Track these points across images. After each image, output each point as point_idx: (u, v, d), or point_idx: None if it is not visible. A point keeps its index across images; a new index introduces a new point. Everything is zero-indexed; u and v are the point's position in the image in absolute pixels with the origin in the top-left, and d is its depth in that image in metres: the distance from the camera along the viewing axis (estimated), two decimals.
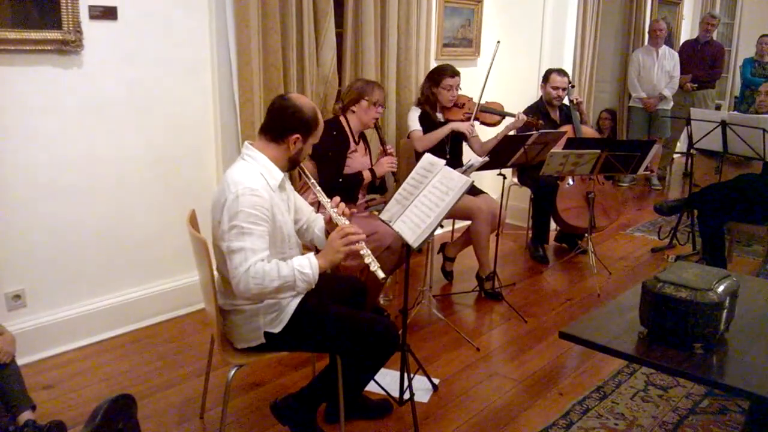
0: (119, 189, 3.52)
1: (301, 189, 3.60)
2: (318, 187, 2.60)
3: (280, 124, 2.42)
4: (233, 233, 2.25)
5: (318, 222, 2.71)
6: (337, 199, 2.57)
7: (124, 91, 3.43)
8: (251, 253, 2.25)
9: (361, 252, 2.40)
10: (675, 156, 8.21)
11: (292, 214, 2.57)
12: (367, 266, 3.49)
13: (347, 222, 2.46)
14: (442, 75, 4.26)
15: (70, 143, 3.29)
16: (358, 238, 2.38)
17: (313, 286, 2.37)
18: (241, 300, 2.40)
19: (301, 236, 2.71)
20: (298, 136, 2.42)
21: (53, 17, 3.08)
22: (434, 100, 4.31)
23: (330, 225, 2.58)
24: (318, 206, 2.99)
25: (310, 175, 2.62)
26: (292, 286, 2.30)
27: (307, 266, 2.32)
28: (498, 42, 4.04)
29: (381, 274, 2.39)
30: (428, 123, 4.31)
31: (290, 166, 2.52)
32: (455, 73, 4.27)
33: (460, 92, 4.35)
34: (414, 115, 4.32)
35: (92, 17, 3.23)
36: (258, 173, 2.35)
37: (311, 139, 2.50)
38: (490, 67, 4.03)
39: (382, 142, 3.85)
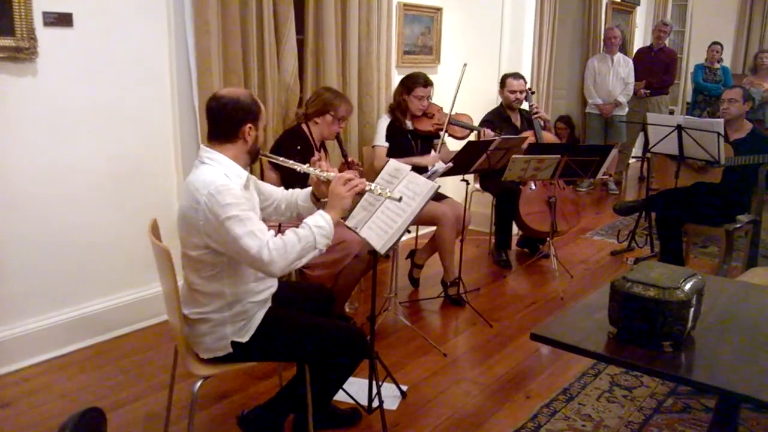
0: (77, 199, 3.43)
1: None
2: (290, 161, 2.60)
3: (227, 122, 2.37)
4: (231, 223, 2.21)
5: (298, 194, 2.73)
6: (313, 160, 2.58)
7: (81, 100, 3.35)
8: (260, 232, 2.25)
9: (367, 188, 2.48)
10: (630, 161, 8.38)
11: (258, 211, 2.54)
12: (336, 275, 3.53)
13: (336, 173, 2.50)
14: (414, 84, 4.27)
15: (25, 154, 3.19)
16: (359, 180, 2.46)
17: (331, 241, 2.39)
18: (211, 307, 2.37)
19: (280, 215, 2.73)
20: (249, 125, 2.39)
21: (5, 24, 2.98)
22: (405, 107, 4.32)
23: (320, 185, 2.61)
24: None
25: (276, 156, 2.63)
26: (313, 245, 2.32)
27: (321, 220, 2.36)
28: (465, 65, 4.08)
29: (396, 196, 2.47)
30: (397, 131, 4.31)
31: (251, 159, 2.49)
32: (428, 83, 4.28)
33: (431, 99, 4.37)
34: (382, 126, 4.32)
35: (47, 24, 3.15)
36: (222, 174, 2.31)
37: (261, 123, 2.47)
38: (457, 89, 4.08)
39: (344, 155, 3.82)
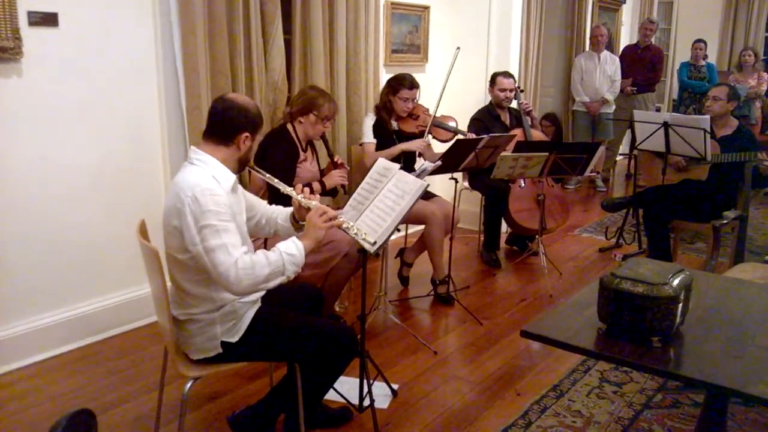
0: (65, 200, 3.40)
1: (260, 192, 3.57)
2: (276, 180, 2.60)
3: (228, 125, 2.38)
4: (207, 232, 2.21)
5: (278, 213, 2.72)
6: (300, 186, 2.60)
7: (67, 100, 3.32)
8: (233, 247, 2.24)
9: (344, 226, 2.47)
10: (618, 158, 8.42)
11: (244, 215, 2.54)
12: (326, 275, 3.52)
13: (318, 203, 2.51)
14: (400, 85, 4.25)
15: (12, 154, 3.16)
16: (337, 213, 2.49)
17: (300, 269, 2.37)
18: (200, 309, 2.36)
19: (259, 230, 2.71)
20: (247, 134, 2.41)
21: None
22: (390, 107, 4.31)
23: (302, 210, 2.60)
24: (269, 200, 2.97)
25: (263, 171, 2.62)
26: (281, 271, 2.31)
27: (293, 248, 2.34)
28: (458, 48, 4.06)
29: (371, 240, 2.46)
30: (382, 131, 4.30)
31: (240, 167, 2.49)
32: (414, 86, 4.26)
33: (417, 101, 4.36)
34: (368, 124, 4.31)
35: (31, 24, 3.12)
36: (210, 176, 2.31)
37: (258, 136, 2.49)
38: (449, 73, 4.05)
39: (330, 155, 3.81)
